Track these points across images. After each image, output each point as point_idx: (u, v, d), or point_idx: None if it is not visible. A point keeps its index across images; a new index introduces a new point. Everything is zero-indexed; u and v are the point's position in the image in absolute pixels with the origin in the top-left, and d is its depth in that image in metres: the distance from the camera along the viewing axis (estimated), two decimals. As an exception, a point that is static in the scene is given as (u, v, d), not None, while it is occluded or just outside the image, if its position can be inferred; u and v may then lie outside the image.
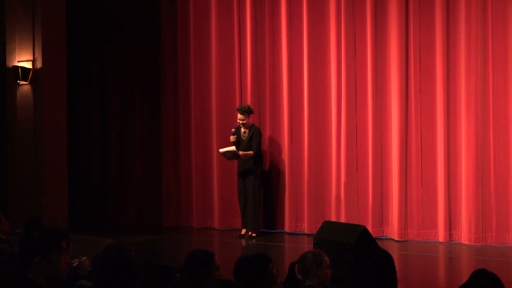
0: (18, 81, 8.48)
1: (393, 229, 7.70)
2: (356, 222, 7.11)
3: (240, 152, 7.82)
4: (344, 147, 7.96)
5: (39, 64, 8.51)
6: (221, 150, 7.97)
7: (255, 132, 7.97)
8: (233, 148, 7.90)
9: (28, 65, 8.50)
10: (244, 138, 7.95)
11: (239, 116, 7.93)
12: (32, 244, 2.67)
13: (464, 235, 7.37)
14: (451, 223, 7.51)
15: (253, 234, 7.95)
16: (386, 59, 7.85)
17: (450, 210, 7.52)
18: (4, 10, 8.73)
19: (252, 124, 8.06)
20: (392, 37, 7.75)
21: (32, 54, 8.52)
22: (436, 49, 7.57)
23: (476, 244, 7.27)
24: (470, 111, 7.39)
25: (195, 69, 8.90)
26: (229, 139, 8.04)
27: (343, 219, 7.76)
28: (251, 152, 7.86)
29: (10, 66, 8.59)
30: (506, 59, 7.35)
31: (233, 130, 7.98)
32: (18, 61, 8.57)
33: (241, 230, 8.09)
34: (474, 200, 7.32)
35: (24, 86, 8.55)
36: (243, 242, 7.91)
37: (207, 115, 8.83)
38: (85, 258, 4.82)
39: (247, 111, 7.94)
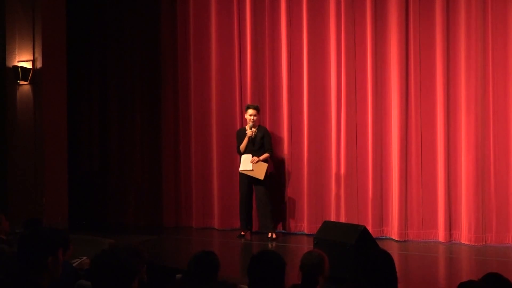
0: (18, 81, 8.48)
1: (393, 229, 7.70)
2: (356, 222, 7.12)
3: (261, 158, 7.80)
4: (344, 147, 7.96)
5: (39, 64, 8.51)
6: (243, 168, 7.83)
7: (266, 132, 7.97)
8: (249, 159, 7.78)
9: (28, 65, 8.50)
10: (255, 136, 7.88)
11: (252, 111, 7.85)
12: (32, 244, 2.67)
13: (464, 235, 7.37)
14: (451, 223, 7.52)
15: (274, 236, 7.84)
16: (386, 59, 7.85)
17: (450, 210, 7.53)
18: (4, 10, 8.72)
19: (259, 124, 8.02)
20: (392, 37, 7.76)
21: (32, 54, 8.51)
22: (436, 49, 7.57)
23: (476, 244, 7.27)
24: (470, 111, 7.39)
25: (195, 69, 8.90)
26: (235, 135, 8.05)
27: (343, 219, 7.76)
28: (267, 154, 7.86)
29: (10, 66, 8.59)
30: (506, 59, 7.35)
31: (251, 124, 7.85)
32: (18, 61, 8.57)
33: (240, 231, 8.06)
34: (474, 200, 7.32)
35: (24, 86, 8.55)
36: (269, 244, 7.68)
37: (207, 115, 8.83)
38: (85, 258, 4.83)
39: (257, 108, 7.95)
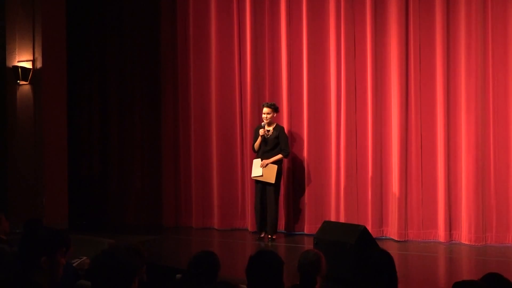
0: (18, 81, 8.49)
1: (393, 229, 7.70)
2: (356, 222, 7.11)
3: (271, 160, 7.65)
4: (343, 147, 7.96)
5: (39, 64, 8.51)
6: (254, 175, 7.71)
7: (281, 132, 7.79)
8: (259, 163, 7.66)
9: (28, 65, 8.51)
10: (269, 136, 7.74)
11: (265, 109, 7.70)
12: (34, 245, 2.67)
13: (464, 235, 7.38)
14: (451, 223, 7.52)
15: (274, 237, 7.75)
16: (386, 59, 7.84)
17: (450, 210, 7.53)
18: (4, 10, 8.73)
19: (276, 123, 7.88)
20: (392, 37, 7.75)
21: (32, 54, 8.52)
22: (436, 49, 7.57)
23: (476, 244, 7.27)
24: (470, 111, 7.40)
25: (195, 69, 8.90)
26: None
27: (343, 219, 7.76)
28: (279, 155, 7.71)
29: (10, 66, 8.60)
30: (506, 59, 7.35)
31: (263, 123, 7.72)
32: (18, 61, 8.58)
33: (259, 234, 7.87)
34: (474, 200, 7.33)
35: (24, 86, 8.55)
36: (269, 244, 7.60)
37: (207, 115, 8.83)
38: (85, 258, 4.83)
39: (272, 106, 7.76)
